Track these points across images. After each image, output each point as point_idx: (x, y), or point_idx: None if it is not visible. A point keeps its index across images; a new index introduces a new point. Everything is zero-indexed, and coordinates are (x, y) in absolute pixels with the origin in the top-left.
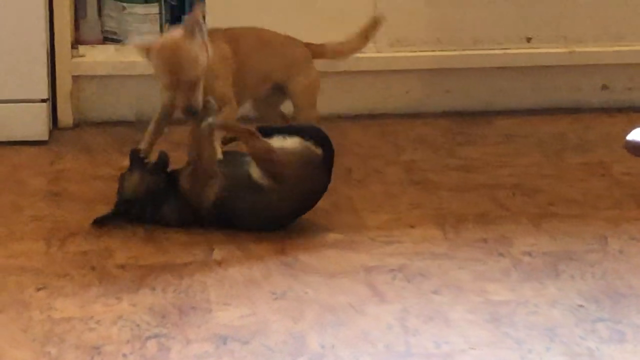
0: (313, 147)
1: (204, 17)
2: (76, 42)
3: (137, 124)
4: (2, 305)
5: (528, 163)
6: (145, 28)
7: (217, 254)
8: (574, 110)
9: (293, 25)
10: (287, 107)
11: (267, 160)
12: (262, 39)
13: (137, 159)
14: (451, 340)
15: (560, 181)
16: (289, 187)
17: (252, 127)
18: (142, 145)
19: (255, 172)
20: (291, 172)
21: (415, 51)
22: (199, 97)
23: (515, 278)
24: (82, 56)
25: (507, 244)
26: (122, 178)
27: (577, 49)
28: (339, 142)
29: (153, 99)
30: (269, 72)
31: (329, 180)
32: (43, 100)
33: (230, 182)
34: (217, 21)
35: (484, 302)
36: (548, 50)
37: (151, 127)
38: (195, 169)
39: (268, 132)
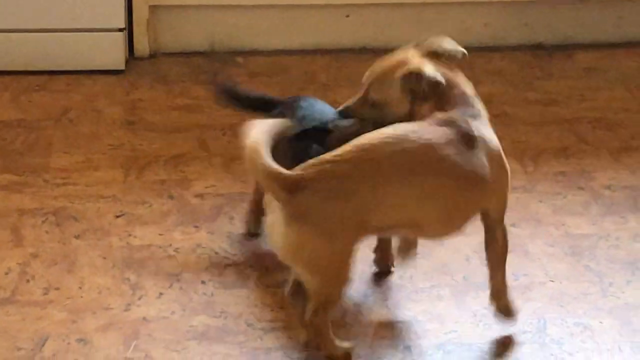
0: None
1: None
2: None
3: (211, 54)
4: (82, 232)
5: (609, 97)
6: None
7: None
8: None
9: None
10: None
11: None
12: None
13: None
14: (530, 272)
15: None
16: None
17: None
18: None
19: None
20: None
21: None
22: None
23: (596, 212)
24: None
25: (587, 177)
26: None
27: None
28: None
29: (228, 30)
30: None
31: None
32: (120, 30)
33: None
34: None
35: (564, 235)
36: None
37: None
38: None
39: None
